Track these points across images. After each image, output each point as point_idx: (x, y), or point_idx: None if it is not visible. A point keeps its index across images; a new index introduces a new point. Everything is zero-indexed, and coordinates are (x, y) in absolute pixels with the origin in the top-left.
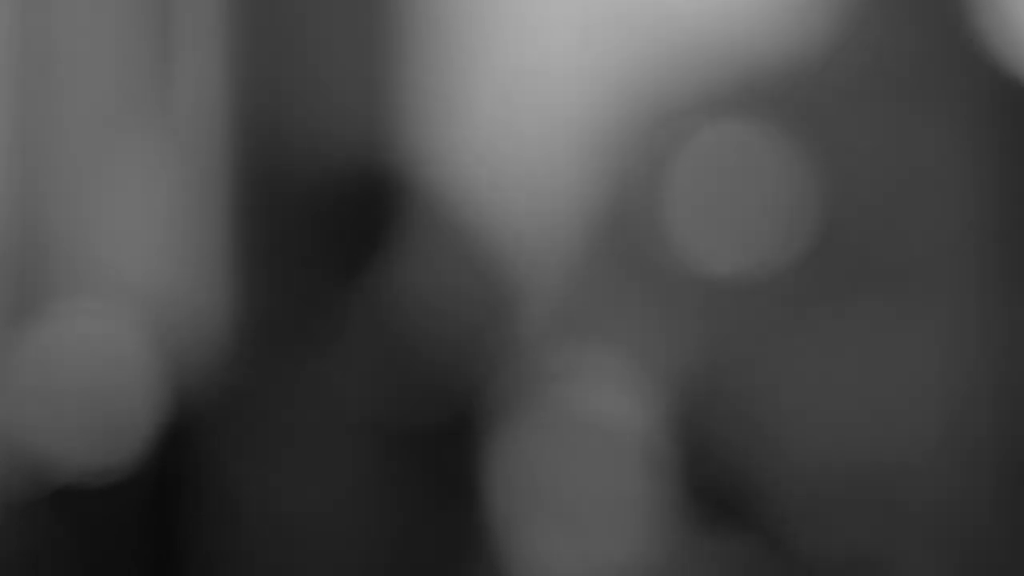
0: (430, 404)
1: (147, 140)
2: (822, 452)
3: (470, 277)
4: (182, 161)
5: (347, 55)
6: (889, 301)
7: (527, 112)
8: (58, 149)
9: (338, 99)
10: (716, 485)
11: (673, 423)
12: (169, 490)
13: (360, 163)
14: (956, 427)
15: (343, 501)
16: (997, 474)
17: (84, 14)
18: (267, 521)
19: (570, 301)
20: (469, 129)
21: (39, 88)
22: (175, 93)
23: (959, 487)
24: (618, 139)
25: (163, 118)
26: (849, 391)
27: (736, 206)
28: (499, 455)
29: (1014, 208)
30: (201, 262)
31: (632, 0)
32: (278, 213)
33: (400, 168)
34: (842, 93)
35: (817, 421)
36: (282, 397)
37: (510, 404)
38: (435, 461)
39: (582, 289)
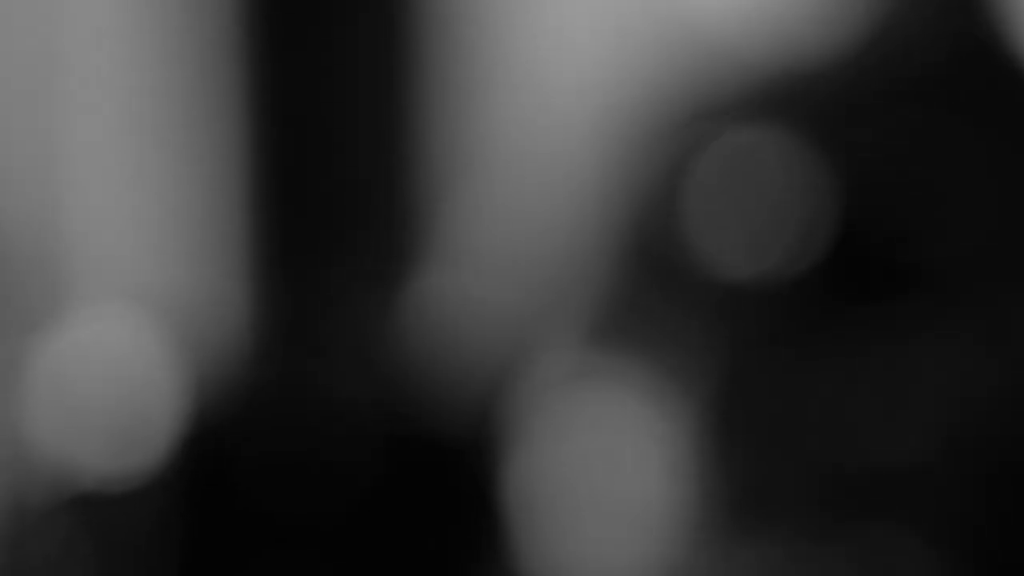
0: (449, 407)
1: (167, 142)
2: (846, 457)
3: (490, 280)
4: (202, 163)
5: (368, 52)
6: (911, 305)
7: (547, 116)
8: (78, 152)
9: (359, 97)
10: (740, 491)
11: (696, 428)
12: (190, 495)
13: (381, 163)
14: (980, 430)
15: (360, 505)
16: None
17: (101, 14)
18: (286, 523)
19: (591, 306)
20: (490, 132)
21: (55, 89)
22: (195, 95)
23: (981, 492)
24: (639, 144)
25: (183, 120)
26: (873, 395)
27: (757, 210)
28: (519, 461)
29: None
30: (222, 266)
31: (654, 5)
32: (299, 215)
33: (418, 167)
34: (864, 96)
35: (841, 425)
36: (302, 400)
37: (531, 409)
38: (453, 465)
39: (603, 293)
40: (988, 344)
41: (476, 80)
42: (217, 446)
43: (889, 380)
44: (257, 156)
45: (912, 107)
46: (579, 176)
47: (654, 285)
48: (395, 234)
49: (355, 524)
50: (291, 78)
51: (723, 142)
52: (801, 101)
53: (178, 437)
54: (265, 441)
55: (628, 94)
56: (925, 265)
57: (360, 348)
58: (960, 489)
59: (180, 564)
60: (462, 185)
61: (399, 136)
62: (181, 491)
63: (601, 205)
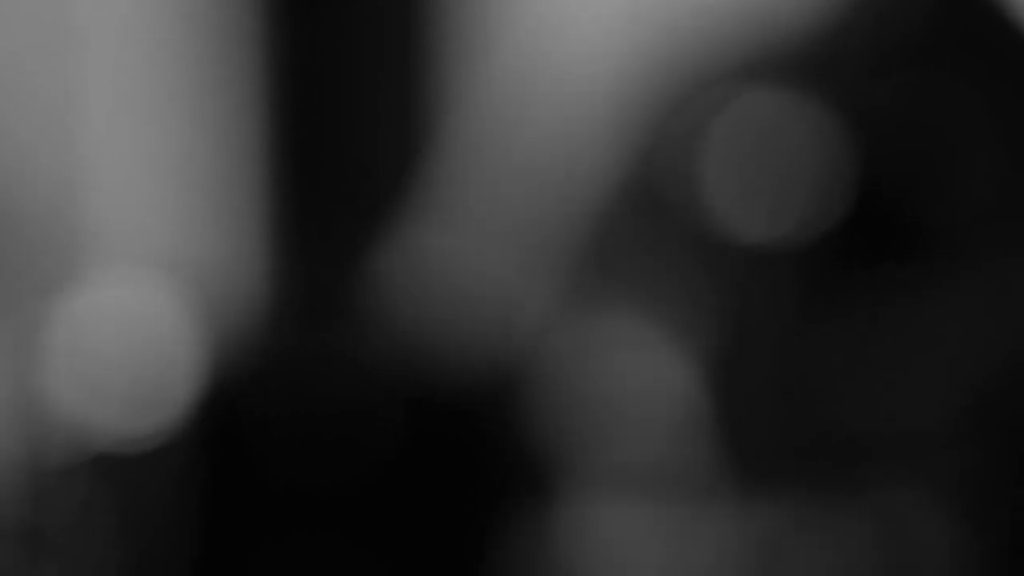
0: (464, 375)
1: (187, 107)
2: (858, 420)
3: (504, 246)
4: (221, 128)
5: (384, 23)
6: (925, 268)
7: (555, 78)
8: (97, 115)
9: (375, 66)
10: (750, 454)
11: (707, 389)
12: (208, 458)
13: (397, 132)
14: (994, 394)
15: (380, 468)
16: None
17: None
18: (305, 487)
19: (603, 270)
20: (496, 94)
21: (74, 53)
22: (214, 61)
23: (995, 456)
24: (654, 108)
25: (202, 85)
26: (886, 358)
27: (772, 173)
28: (535, 426)
29: None
30: (240, 229)
31: None
32: (317, 181)
33: (433, 141)
34: (875, 58)
35: (853, 388)
36: (320, 366)
37: (545, 374)
38: (470, 432)
39: (614, 257)
40: (1003, 307)
41: (487, 47)
42: (235, 408)
43: (902, 343)
44: (276, 120)
45: (925, 68)
46: (593, 140)
47: (668, 247)
48: (411, 201)
49: (375, 488)
50: (309, 46)
51: (738, 105)
52: (814, 64)
53: (196, 399)
54: (283, 404)
55: (642, 56)
56: (939, 228)
57: (378, 313)
58: (973, 453)
59: (198, 526)
60: (476, 151)
61: (415, 105)
62: (199, 454)
63: (616, 170)
